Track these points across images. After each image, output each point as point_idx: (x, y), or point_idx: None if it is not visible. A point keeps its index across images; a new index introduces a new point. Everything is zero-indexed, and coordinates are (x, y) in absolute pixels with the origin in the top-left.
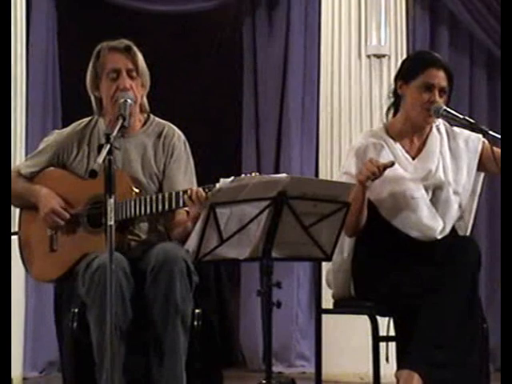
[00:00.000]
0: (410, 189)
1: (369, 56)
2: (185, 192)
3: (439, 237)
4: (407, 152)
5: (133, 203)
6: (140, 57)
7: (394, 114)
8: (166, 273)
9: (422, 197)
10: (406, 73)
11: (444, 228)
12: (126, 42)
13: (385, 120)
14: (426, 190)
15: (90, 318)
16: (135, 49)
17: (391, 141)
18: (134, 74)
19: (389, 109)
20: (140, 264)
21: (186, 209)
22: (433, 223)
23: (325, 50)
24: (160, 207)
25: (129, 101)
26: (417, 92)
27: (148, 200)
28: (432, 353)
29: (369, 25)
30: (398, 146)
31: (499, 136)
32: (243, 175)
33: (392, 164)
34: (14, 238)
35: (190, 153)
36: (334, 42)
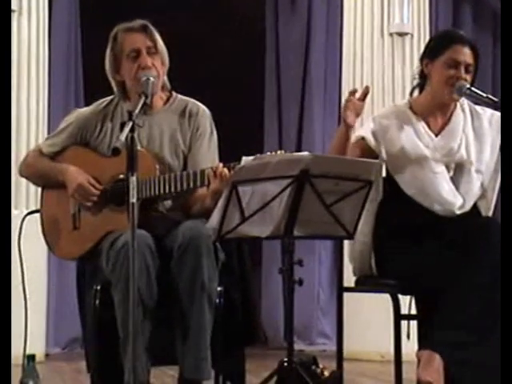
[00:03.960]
0: (430, 165)
1: (391, 34)
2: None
3: (458, 212)
4: (430, 129)
5: (157, 181)
6: (157, 34)
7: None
8: (193, 250)
9: (441, 172)
10: (432, 50)
11: (463, 204)
12: (140, 21)
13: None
14: (447, 167)
15: (115, 295)
16: (151, 27)
17: (414, 117)
18: (154, 50)
19: (413, 90)
20: (165, 241)
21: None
22: (452, 198)
23: (347, 29)
24: (185, 185)
25: (151, 78)
26: (442, 68)
27: (172, 178)
28: (453, 333)
29: (392, 3)
30: (420, 123)
31: None
32: (268, 153)
33: (366, 90)
34: (37, 216)
35: (213, 127)
36: (357, 20)
